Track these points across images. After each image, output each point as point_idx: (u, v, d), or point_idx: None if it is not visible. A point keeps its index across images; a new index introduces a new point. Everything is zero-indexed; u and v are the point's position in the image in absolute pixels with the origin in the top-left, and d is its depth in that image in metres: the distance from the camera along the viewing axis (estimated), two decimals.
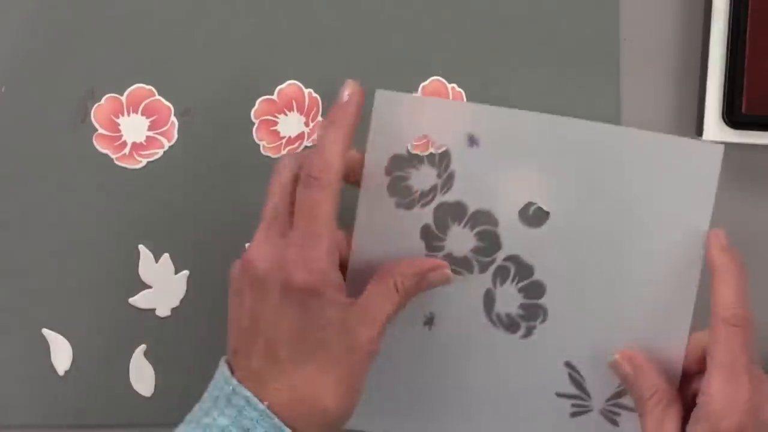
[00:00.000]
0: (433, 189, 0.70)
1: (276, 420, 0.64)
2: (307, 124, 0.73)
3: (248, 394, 0.64)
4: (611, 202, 0.70)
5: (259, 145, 0.73)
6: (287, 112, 0.73)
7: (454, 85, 0.73)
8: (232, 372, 0.65)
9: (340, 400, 0.66)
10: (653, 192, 0.70)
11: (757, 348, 0.71)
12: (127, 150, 0.73)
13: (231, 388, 0.65)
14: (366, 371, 0.66)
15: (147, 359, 0.74)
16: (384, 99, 0.69)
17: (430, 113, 0.69)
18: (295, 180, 0.66)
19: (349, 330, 0.66)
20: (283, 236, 0.65)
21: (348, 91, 0.66)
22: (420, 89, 0.73)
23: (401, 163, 0.69)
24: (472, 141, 0.70)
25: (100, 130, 0.73)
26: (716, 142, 0.69)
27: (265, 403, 0.64)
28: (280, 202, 0.66)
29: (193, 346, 0.73)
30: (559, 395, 0.72)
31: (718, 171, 0.68)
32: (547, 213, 0.70)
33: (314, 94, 0.73)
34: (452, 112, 0.70)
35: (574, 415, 0.72)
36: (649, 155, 0.69)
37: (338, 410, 0.66)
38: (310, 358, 0.65)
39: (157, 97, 0.73)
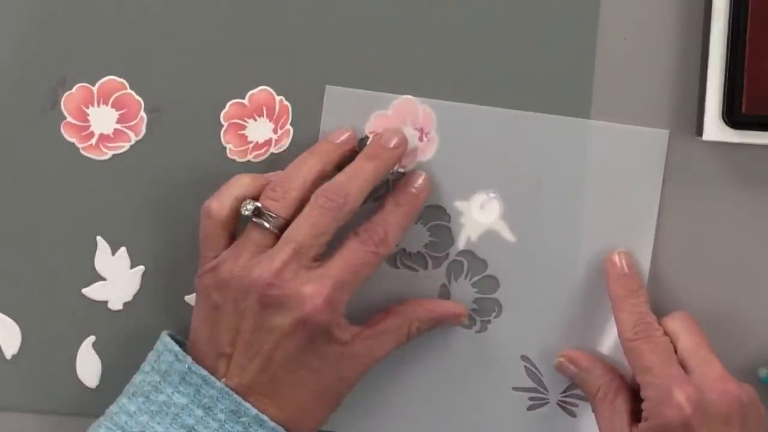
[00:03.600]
0: (385, 185, 0.72)
1: (235, 396, 0.65)
2: (275, 131, 0.73)
3: (204, 373, 0.66)
4: (562, 194, 0.72)
5: (225, 148, 0.73)
6: (257, 118, 0.73)
7: (425, 106, 0.72)
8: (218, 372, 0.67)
9: (320, 421, 0.69)
10: (603, 180, 0.72)
11: (757, 348, 0.71)
12: (93, 141, 0.73)
13: (186, 366, 0.66)
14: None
15: (95, 351, 0.74)
16: (334, 95, 0.71)
17: (380, 109, 0.71)
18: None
19: (346, 361, 0.68)
20: (308, 270, 0.66)
21: (419, 182, 0.70)
22: (391, 107, 0.73)
23: (353, 159, 0.70)
24: (422, 135, 0.71)
25: (69, 119, 0.73)
26: (716, 142, 0.70)
27: (222, 380, 0.66)
28: (323, 238, 0.67)
29: (142, 343, 0.73)
30: (516, 389, 0.72)
31: (663, 157, 0.71)
32: (499, 207, 0.71)
33: (285, 102, 0.73)
34: (403, 108, 0.71)
35: (531, 408, 0.73)
36: (599, 145, 0.72)
37: (314, 427, 0.69)
38: (304, 384, 0.67)
39: (129, 90, 0.73)
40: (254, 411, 0.65)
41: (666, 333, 0.69)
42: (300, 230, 0.67)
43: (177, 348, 0.67)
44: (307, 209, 0.67)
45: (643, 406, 0.67)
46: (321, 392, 0.68)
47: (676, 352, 0.69)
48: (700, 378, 0.67)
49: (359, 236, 0.68)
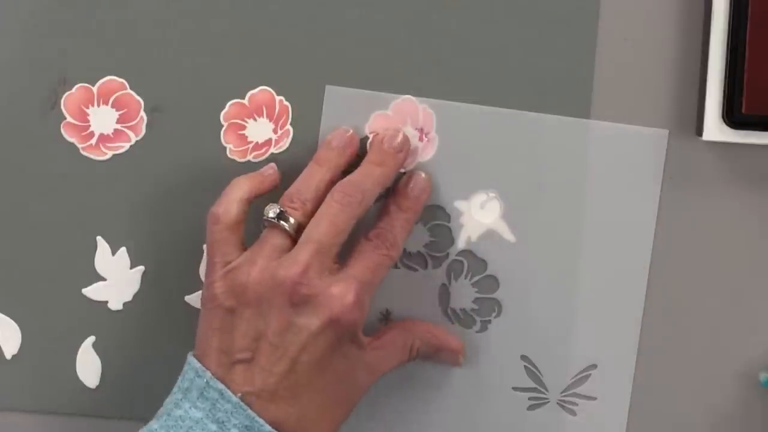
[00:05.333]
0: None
1: (249, 411, 0.64)
2: (275, 131, 0.73)
3: (221, 387, 0.65)
4: (562, 193, 0.72)
5: (225, 148, 0.73)
6: (257, 118, 0.73)
7: (425, 106, 0.73)
8: (234, 382, 0.66)
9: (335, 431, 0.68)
10: (603, 180, 0.72)
11: (758, 351, 0.71)
12: (93, 141, 0.73)
13: (205, 380, 0.65)
14: None
15: (95, 351, 0.74)
16: (334, 95, 0.71)
17: (380, 109, 0.72)
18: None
19: (362, 367, 0.68)
20: (331, 272, 0.66)
21: (420, 183, 0.71)
22: (391, 107, 0.73)
23: (357, 163, 0.70)
24: (422, 135, 0.71)
25: (69, 119, 0.73)
26: (716, 142, 0.71)
27: (238, 394, 0.65)
28: (341, 237, 0.67)
29: (142, 342, 0.73)
30: (516, 389, 0.73)
31: (663, 157, 0.71)
32: (499, 207, 0.72)
33: (285, 102, 0.73)
34: (403, 108, 0.72)
35: (531, 408, 0.73)
36: (599, 145, 0.72)
37: None
38: (326, 390, 0.66)
39: (128, 90, 0.73)
40: (268, 428, 0.64)
41: None
42: (319, 228, 0.67)
43: (198, 364, 0.66)
44: (324, 207, 0.67)
45: None
46: (339, 399, 0.67)
47: None
48: None
49: (372, 241, 0.68)
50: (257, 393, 0.65)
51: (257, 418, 0.64)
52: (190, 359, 0.67)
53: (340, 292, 0.65)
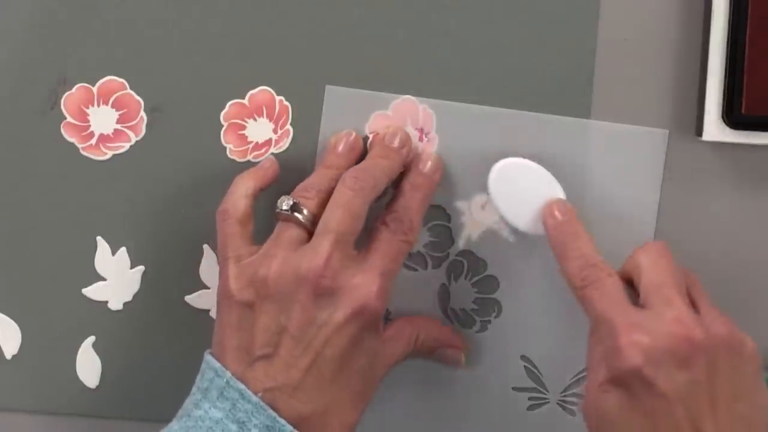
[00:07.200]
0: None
1: (270, 411, 0.64)
2: (275, 131, 0.73)
3: (242, 387, 0.64)
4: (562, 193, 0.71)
5: (225, 148, 0.73)
6: (257, 118, 0.73)
7: (425, 106, 0.73)
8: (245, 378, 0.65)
9: (353, 429, 0.67)
10: (603, 180, 0.72)
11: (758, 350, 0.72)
12: (93, 141, 0.73)
13: (225, 380, 0.65)
14: None
15: (95, 351, 0.74)
16: (334, 95, 0.71)
17: (380, 109, 0.72)
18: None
19: (378, 360, 0.68)
20: (352, 260, 0.66)
21: (431, 163, 0.70)
22: (391, 107, 0.73)
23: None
24: (422, 135, 0.71)
25: (69, 119, 0.73)
26: (716, 142, 0.71)
27: (258, 394, 0.64)
28: (357, 223, 0.67)
29: (142, 342, 0.73)
30: (516, 389, 0.73)
31: (663, 157, 0.72)
32: (499, 207, 0.71)
33: (285, 102, 0.73)
34: (403, 108, 0.72)
35: (531, 408, 0.73)
36: (599, 145, 0.72)
37: None
38: (348, 385, 0.66)
39: (129, 90, 0.73)
40: (289, 428, 0.63)
41: (635, 266, 0.65)
42: (335, 216, 0.66)
43: (217, 364, 0.65)
44: (336, 195, 0.67)
45: (601, 357, 0.63)
46: (359, 393, 0.67)
47: (639, 288, 0.64)
48: (654, 320, 0.62)
49: (389, 227, 0.68)
50: (280, 388, 0.64)
51: (278, 418, 0.64)
52: (208, 358, 0.66)
53: (364, 282, 0.65)
